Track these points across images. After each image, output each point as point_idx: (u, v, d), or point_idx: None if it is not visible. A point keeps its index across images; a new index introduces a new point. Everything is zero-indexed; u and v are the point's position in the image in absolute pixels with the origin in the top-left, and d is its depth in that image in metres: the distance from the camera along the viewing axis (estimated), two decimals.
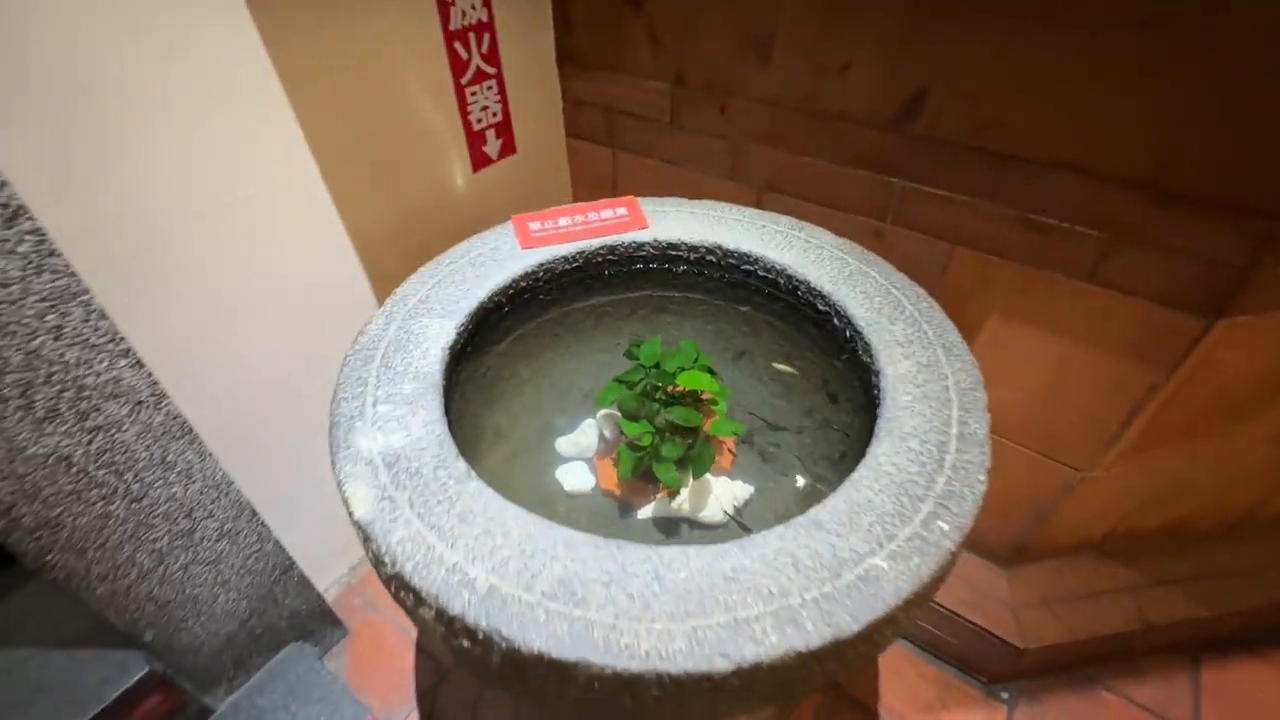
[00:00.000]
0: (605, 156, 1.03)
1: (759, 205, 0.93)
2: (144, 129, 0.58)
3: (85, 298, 0.53)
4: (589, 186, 1.09)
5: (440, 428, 0.52)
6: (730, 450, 0.65)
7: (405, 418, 0.52)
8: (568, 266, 0.73)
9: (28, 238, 0.48)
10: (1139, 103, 0.61)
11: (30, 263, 0.49)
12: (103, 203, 0.57)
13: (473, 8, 0.82)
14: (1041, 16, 0.61)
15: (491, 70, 0.89)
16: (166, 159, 0.61)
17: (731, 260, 0.73)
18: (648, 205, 0.78)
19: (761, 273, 0.72)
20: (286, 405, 0.81)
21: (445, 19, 0.80)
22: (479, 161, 0.94)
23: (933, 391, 0.54)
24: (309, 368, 0.82)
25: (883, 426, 0.52)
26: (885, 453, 0.49)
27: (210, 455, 0.68)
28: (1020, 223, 0.73)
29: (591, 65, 0.95)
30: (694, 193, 0.97)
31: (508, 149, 0.97)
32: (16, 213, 0.47)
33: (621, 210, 0.76)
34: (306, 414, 0.82)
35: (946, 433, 0.50)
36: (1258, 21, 0.53)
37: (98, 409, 0.57)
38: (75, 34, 0.51)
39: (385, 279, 0.87)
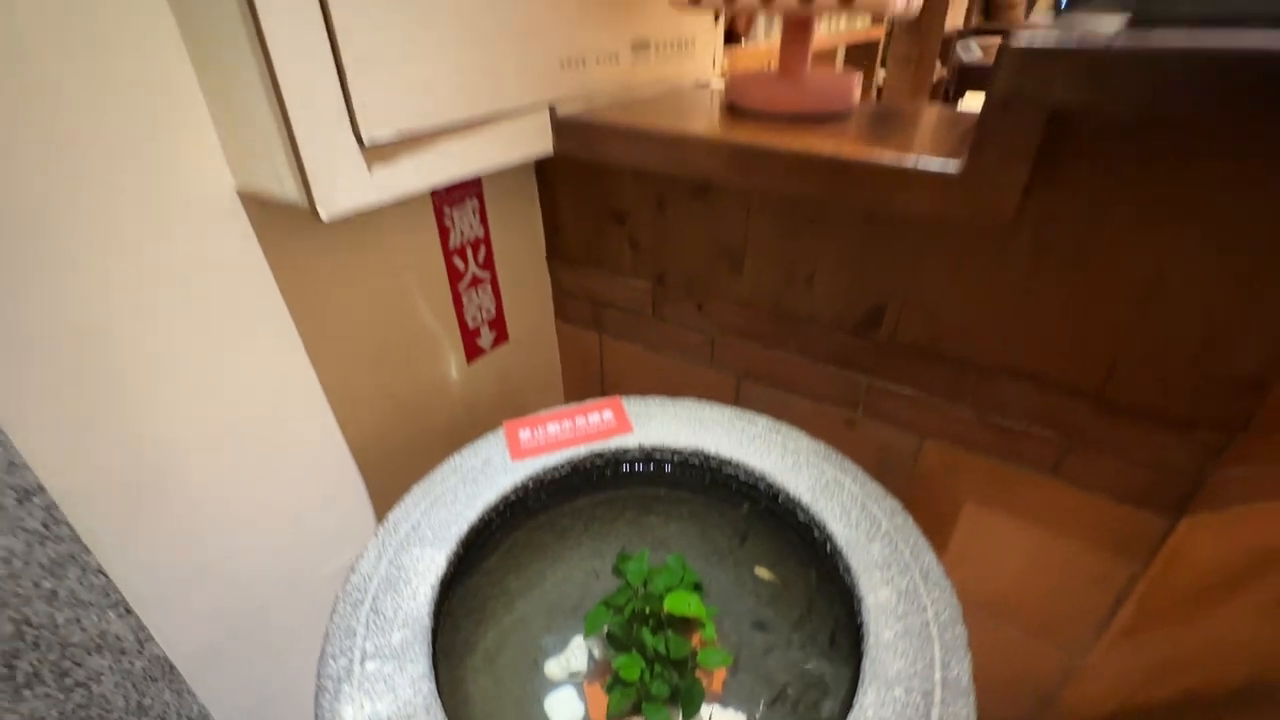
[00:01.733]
0: (592, 340, 1.09)
1: (738, 390, 0.98)
2: (155, 368, 0.59)
3: (86, 558, 0.55)
4: (577, 368, 1.15)
5: (427, 686, 0.51)
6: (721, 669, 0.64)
7: (393, 676, 0.52)
8: (557, 475, 0.75)
9: (39, 512, 0.50)
10: (1077, 324, 0.66)
11: (37, 535, 0.51)
12: (109, 455, 0.59)
13: (470, 227, 0.91)
14: (986, 246, 0.67)
15: (486, 275, 0.96)
16: (176, 397, 0.63)
17: (712, 464, 0.76)
18: (632, 406, 0.82)
19: (742, 477, 0.75)
20: (272, 626, 0.80)
21: (445, 240, 0.88)
22: (472, 353, 0.99)
23: (914, 626, 0.55)
24: (300, 585, 0.81)
25: (867, 669, 0.52)
26: (871, 703, 0.50)
27: (189, 692, 0.66)
28: (981, 422, 0.78)
29: (579, 262, 1.03)
30: (676, 376, 1.03)
31: (500, 339, 1.03)
32: (29, 492, 0.49)
33: (608, 414, 0.80)
34: (292, 629, 0.81)
35: (931, 679, 0.51)
36: (1165, 265, 0.60)
37: (79, 664, 0.56)
38: (87, 280, 0.52)
39: (382, 487, 0.89)
